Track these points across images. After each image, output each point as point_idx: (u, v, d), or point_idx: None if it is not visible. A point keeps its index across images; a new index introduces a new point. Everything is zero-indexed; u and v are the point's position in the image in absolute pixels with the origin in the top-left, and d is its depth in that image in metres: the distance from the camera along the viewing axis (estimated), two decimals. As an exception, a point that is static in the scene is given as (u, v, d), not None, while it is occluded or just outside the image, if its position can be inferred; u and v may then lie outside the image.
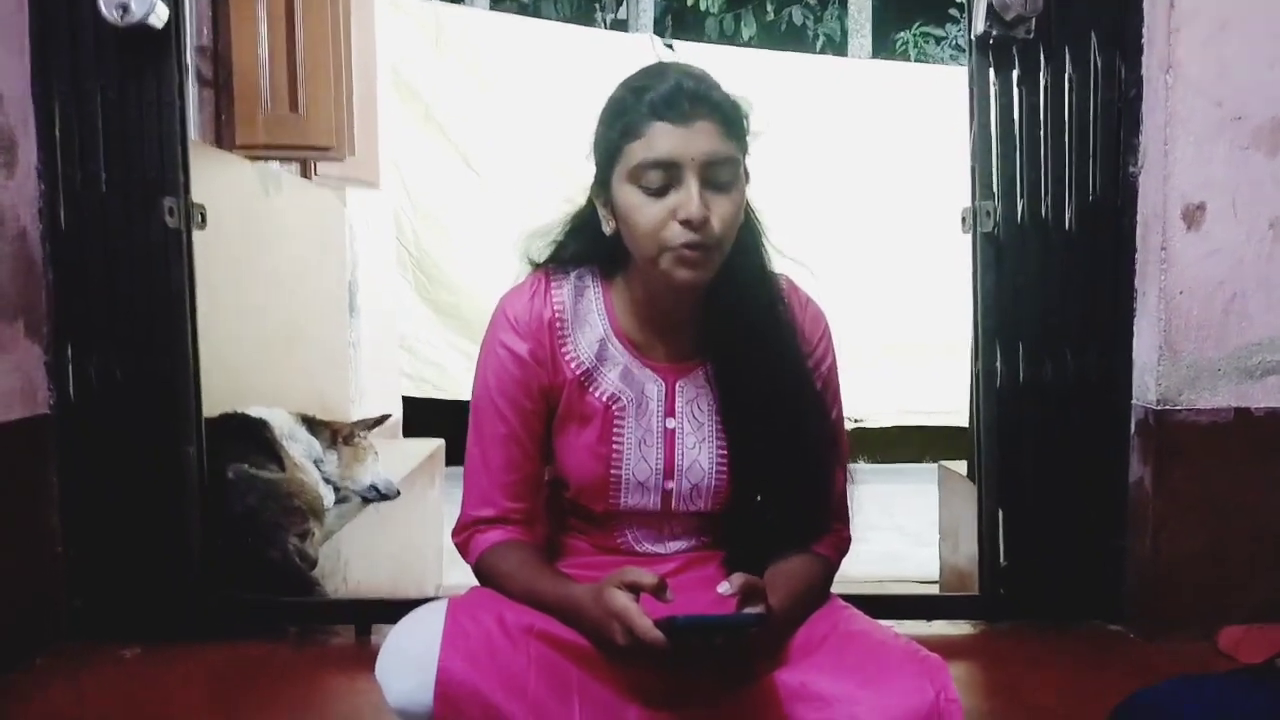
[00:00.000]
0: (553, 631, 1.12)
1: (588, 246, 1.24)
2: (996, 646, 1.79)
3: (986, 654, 1.77)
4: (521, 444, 1.23)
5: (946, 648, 1.75)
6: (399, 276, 4.89)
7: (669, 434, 1.23)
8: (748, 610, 1.05)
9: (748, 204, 1.19)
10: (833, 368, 1.28)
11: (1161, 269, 1.73)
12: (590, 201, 1.23)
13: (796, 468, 1.22)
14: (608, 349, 1.23)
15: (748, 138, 1.15)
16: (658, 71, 1.13)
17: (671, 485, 1.24)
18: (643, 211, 1.10)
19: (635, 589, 1.05)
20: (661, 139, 1.08)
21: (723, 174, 1.10)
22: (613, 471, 1.23)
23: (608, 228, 1.18)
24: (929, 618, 1.86)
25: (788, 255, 1.26)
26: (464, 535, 1.26)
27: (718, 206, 1.10)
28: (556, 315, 1.22)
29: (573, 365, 1.22)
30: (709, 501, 1.25)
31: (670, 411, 1.24)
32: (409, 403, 4.73)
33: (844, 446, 1.29)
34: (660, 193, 1.09)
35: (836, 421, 1.28)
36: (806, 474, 1.22)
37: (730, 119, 1.11)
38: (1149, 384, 1.75)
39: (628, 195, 1.11)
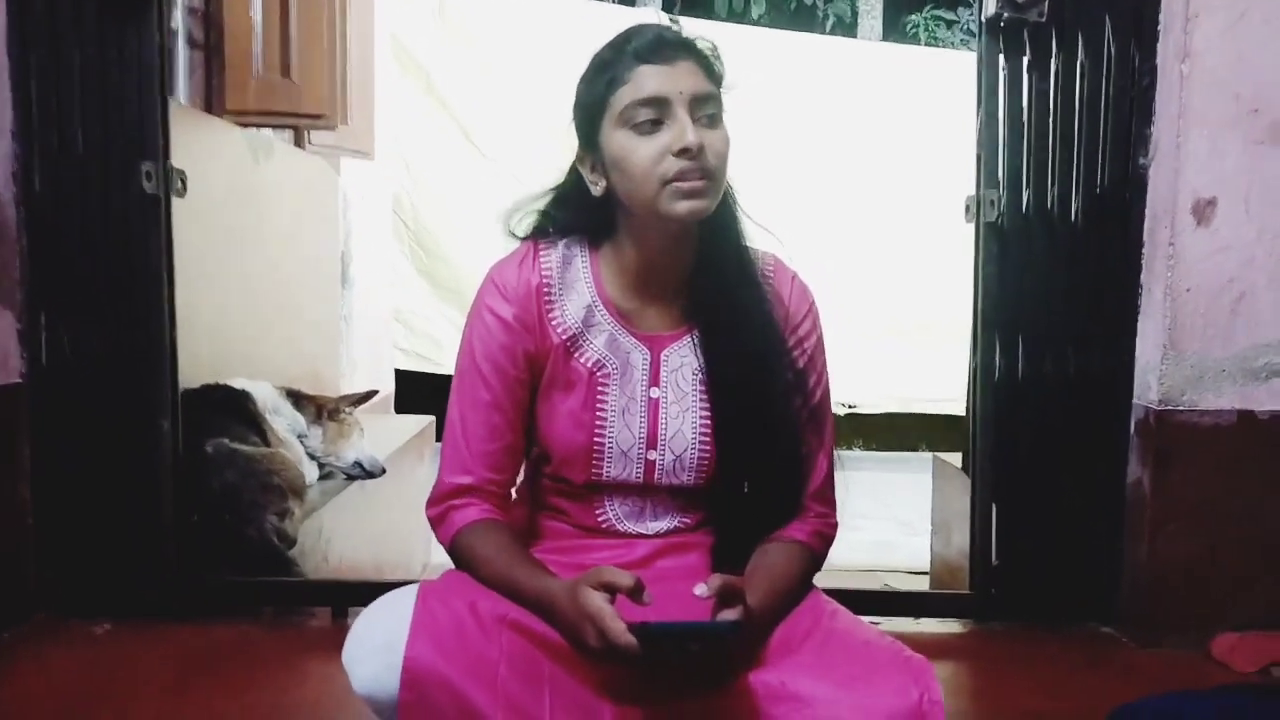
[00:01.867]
0: (526, 623, 1.09)
1: (574, 216, 1.24)
2: (986, 647, 1.75)
3: (976, 654, 1.74)
4: (504, 411, 1.21)
5: (935, 647, 1.73)
6: (395, 249, 4.83)
7: (653, 403, 1.22)
8: (723, 616, 1.02)
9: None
10: (819, 345, 1.27)
11: (1169, 265, 1.68)
12: (572, 171, 1.22)
13: (776, 438, 1.21)
14: (594, 316, 1.22)
15: (723, 83, 1.18)
16: (635, 28, 1.16)
17: (654, 455, 1.22)
18: (637, 152, 1.11)
19: (611, 589, 1.02)
20: (649, 79, 1.11)
21: (709, 109, 1.13)
22: (596, 439, 1.21)
23: (597, 189, 1.18)
24: (917, 615, 1.82)
25: (762, 225, 1.26)
26: (440, 508, 1.22)
27: (710, 139, 1.11)
28: (544, 281, 1.21)
29: (559, 330, 1.21)
30: (692, 475, 1.23)
31: (655, 381, 1.22)
32: (402, 377, 4.69)
33: (829, 428, 1.27)
34: (652, 129, 1.11)
35: (822, 401, 1.26)
36: (786, 445, 1.21)
37: (709, 61, 1.16)
38: (1151, 383, 1.70)
39: (620, 140, 1.12)
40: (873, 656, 1.07)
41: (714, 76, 1.16)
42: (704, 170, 1.11)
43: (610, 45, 1.16)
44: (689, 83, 1.11)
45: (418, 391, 4.61)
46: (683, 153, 1.09)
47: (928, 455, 3.23)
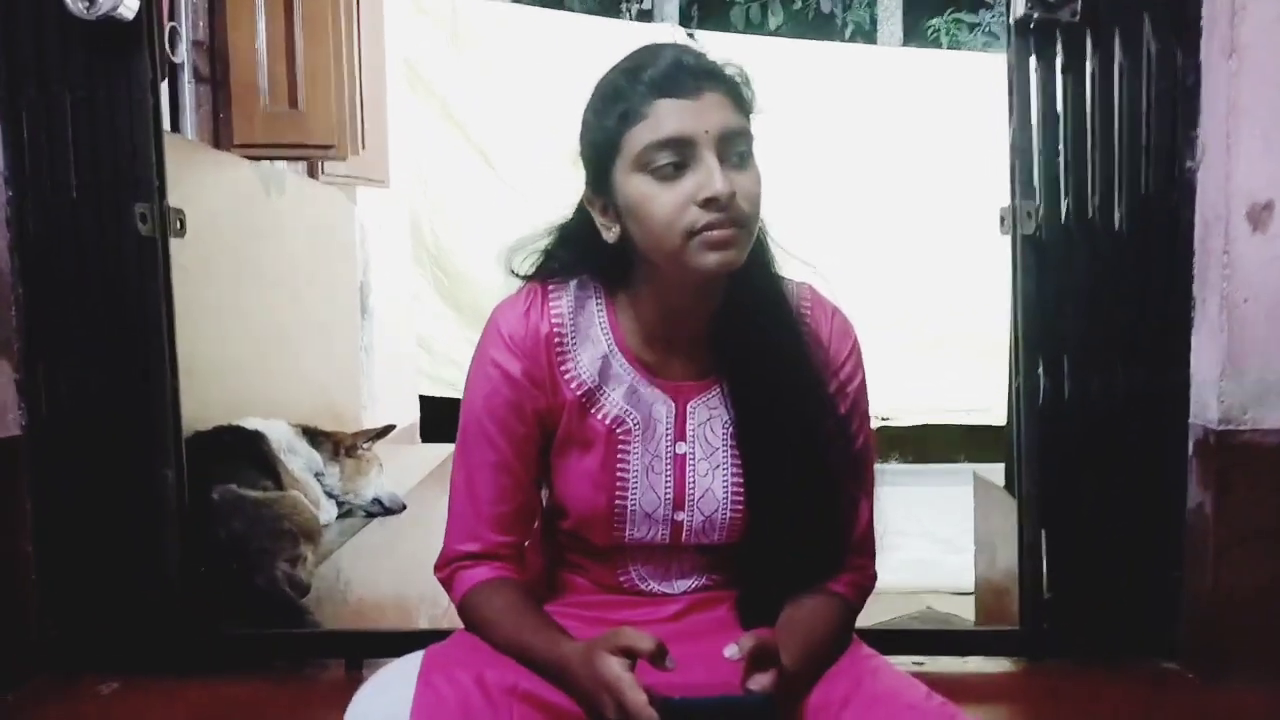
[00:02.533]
0: (538, 693, 1.01)
1: (582, 258, 1.12)
2: (1039, 686, 1.64)
3: (1029, 695, 1.63)
4: (513, 473, 1.12)
5: (984, 688, 1.63)
6: (416, 275, 4.81)
7: (679, 460, 1.12)
8: (755, 682, 0.94)
9: None
10: (861, 388, 1.15)
11: (1223, 274, 1.57)
12: (580, 211, 1.11)
13: (817, 497, 1.10)
14: (612, 366, 1.11)
15: (754, 110, 1.04)
16: (649, 50, 1.02)
17: (682, 516, 1.12)
18: (657, 200, 0.99)
19: (631, 654, 0.94)
20: (669, 116, 0.97)
21: (739, 147, 1.00)
22: (617, 502, 1.11)
23: (610, 235, 1.06)
24: (964, 654, 1.71)
25: (796, 256, 1.14)
26: (447, 572, 1.15)
27: (741, 183, 0.98)
28: (555, 330, 1.10)
29: (573, 385, 1.10)
30: (723, 534, 1.13)
31: (681, 435, 1.12)
32: (428, 403, 4.65)
33: (870, 474, 1.16)
34: (674, 176, 0.98)
35: (864, 448, 1.15)
36: (828, 503, 1.10)
37: (737, 88, 1.02)
38: (1209, 401, 1.59)
39: (636, 186, 1.00)
40: (917, 721, 0.97)
41: (744, 107, 1.03)
42: (735, 218, 0.98)
43: (622, 71, 1.03)
44: (716, 119, 0.98)
45: (444, 416, 4.57)
46: (710, 202, 0.96)
47: (967, 467, 3.11)
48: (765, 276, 1.11)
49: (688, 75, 0.99)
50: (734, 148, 0.99)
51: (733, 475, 1.12)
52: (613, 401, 1.11)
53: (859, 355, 1.15)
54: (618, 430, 1.11)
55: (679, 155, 0.98)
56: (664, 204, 0.99)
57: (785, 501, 1.11)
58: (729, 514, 1.12)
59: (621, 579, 1.16)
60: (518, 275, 1.15)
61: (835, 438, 1.11)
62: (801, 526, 1.12)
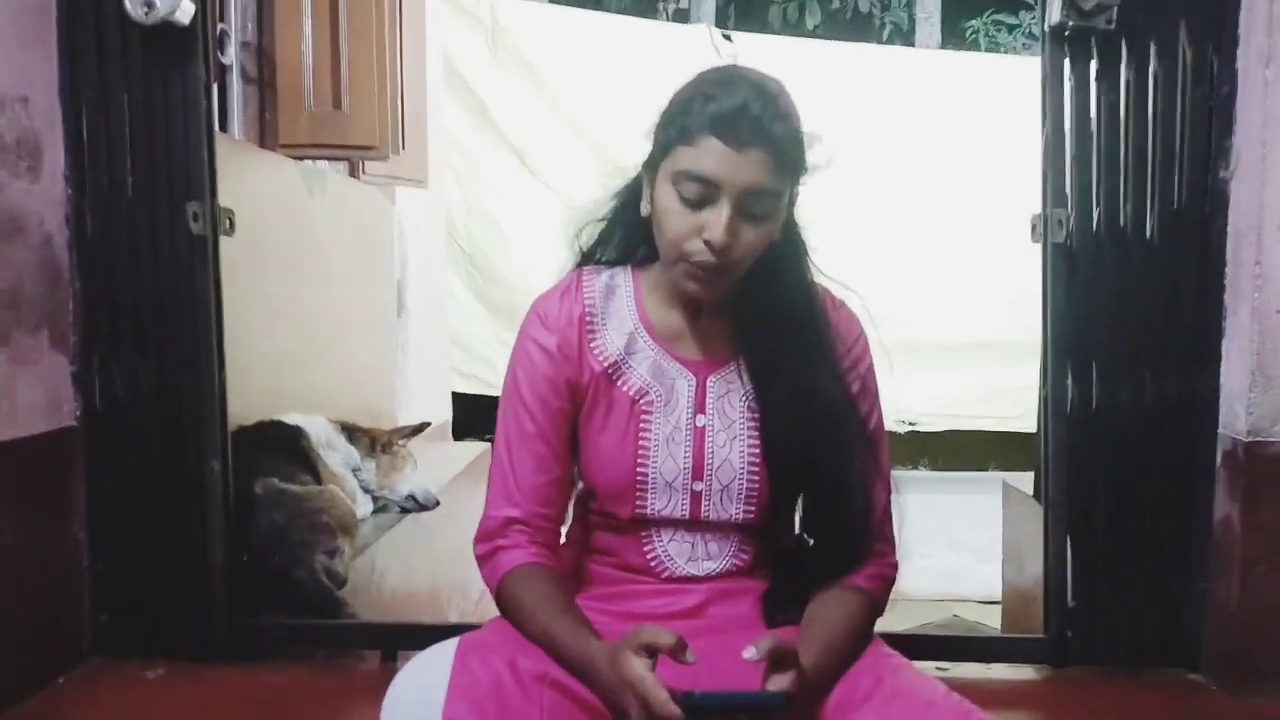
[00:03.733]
0: (567, 682, 1.06)
1: (632, 228, 1.23)
2: (1063, 694, 1.65)
3: (1052, 704, 1.64)
4: (549, 443, 1.19)
5: (1008, 696, 1.64)
6: (452, 274, 4.86)
7: (699, 431, 1.19)
8: (775, 682, 0.97)
9: (794, 223, 1.18)
10: (871, 371, 1.23)
11: (1256, 285, 1.57)
12: (637, 179, 1.21)
13: (829, 466, 1.16)
14: (637, 342, 1.20)
15: (804, 171, 1.13)
16: (729, 80, 1.09)
17: (701, 486, 1.18)
18: (674, 218, 1.10)
19: (653, 650, 0.98)
20: (709, 156, 1.07)
21: (760, 206, 1.09)
22: (639, 469, 1.18)
23: (645, 208, 1.16)
24: (988, 661, 1.72)
25: (833, 279, 1.23)
26: (488, 546, 1.19)
27: (744, 233, 1.09)
28: (586, 310, 1.20)
29: (600, 358, 1.19)
30: (741, 508, 1.18)
31: (700, 408, 1.19)
32: (460, 401, 4.71)
33: (885, 458, 1.22)
34: (695, 205, 1.09)
35: (876, 429, 1.22)
36: (840, 474, 1.17)
37: (785, 153, 1.09)
38: (1238, 412, 1.59)
39: (665, 195, 1.11)
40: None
41: (784, 169, 1.09)
42: (723, 263, 1.09)
43: (699, 89, 1.10)
44: (748, 176, 1.06)
45: (476, 414, 4.63)
46: (708, 244, 1.07)
47: (996, 475, 3.11)
48: (791, 280, 1.19)
49: (744, 126, 1.06)
50: (755, 204, 1.08)
51: (750, 446, 1.18)
52: (637, 374, 1.20)
53: (866, 341, 1.23)
54: (641, 401, 1.19)
55: (704, 192, 1.08)
56: (677, 225, 1.10)
57: (800, 472, 1.18)
58: (746, 484, 1.18)
59: (649, 556, 1.21)
60: (581, 251, 1.26)
61: (848, 415, 1.18)
62: (818, 500, 1.20)
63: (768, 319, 1.18)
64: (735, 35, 5.15)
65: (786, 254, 1.18)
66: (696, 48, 4.51)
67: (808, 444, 1.16)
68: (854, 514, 1.17)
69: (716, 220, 1.07)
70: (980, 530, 3.66)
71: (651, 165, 1.15)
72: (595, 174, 1.27)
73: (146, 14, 1.61)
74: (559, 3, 5.45)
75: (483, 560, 1.20)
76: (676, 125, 1.10)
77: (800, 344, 1.17)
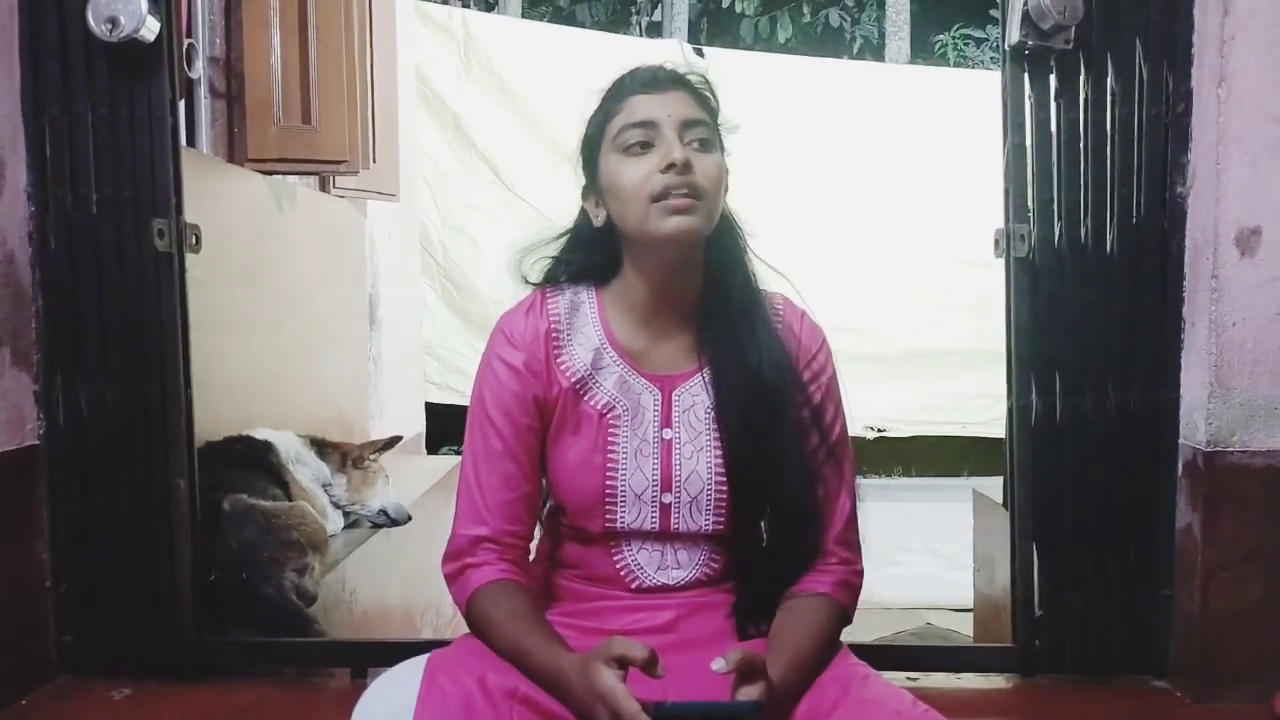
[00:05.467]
0: (538, 698, 1.06)
1: (583, 258, 1.24)
2: (1030, 703, 1.67)
3: (1021, 712, 1.66)
4: (518, 460, 1.20)
5: (977, 704, 1.65)
6: (426, 286, 4.86)
7: (666, 444, 1.20)
8: (744, 693, 0.98)
9: (731, 214, 1.23)
10: (833, 380, 1.25)
11: (1212, 298, 1.60)
12: (581, 213, 1.25)
13: (792, 476, 1.18)
14: (603, 357, 1.21)
15: (722, 123, 1.21)
16: (636, 67, 1.22)
17: (670, 498, 1.19)
18: (627, 173, 1.14)
19: (624, 663, 0.99)
20: (640, 105, 1.16)
21: (700, 132, 1.15)
22: (608, 483, 1.19)
23: (598, 220, 1.20)
24: (958, 670, 1.74)
25: (773, 266, 1.27)
26: (456, 565, 1.20)
27: (699, 162, 1.13)
28: (552, 326, 1.21)
29: (568, 374, 1.20)
30: (710, 519, 1.19)
31: (667, 422, 1.21)
32: (432, 411, 4.70)
33: (849, 467, 1.24)
34: (642, 153, 1.14)
35: (840, 439, 1.24)
36: (802, 483, 1.19)
37: (703, 95, 1.20)
38: (1198, 423, 1.62)
39: (612, 163, 1.16)
40: (904, 731, 1.01)
41: (706, 107, 1.19)
42: (692, 189, 1.12)
43: (613, 83, 1.22)
44: (678, 109, 1.15)
45: (450, 425, 4.62)
46: (669, 168, 1.11)
47: (969, 481, 3.14)
48: (741, 270, 1.24)
49: (660, 78, 1.19)
50: (694, 133, 1.15)
51: (715, 457, 1.20)
52: (604, 390, 1.21)
53: (829, 352, 1.26)
54: (608, 415, 1.20)
55: (646, 135, 1.14)
56: (632, 175, 1.14)
57: (763, 481, 1.19)
58: (714, 495, 1.19)
59: (619, 568, 1.21)
60: (528, 281, 1.26)
61: (809, 424, 1.21)
62: (782, 507, 1.20)
63: (726, 324, 1.20)
64: (707, 50, 5.20)
65: (730, 246, 1.23)
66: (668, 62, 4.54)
67: (769, 453, 1.18)
68: (816, 521, 1.19)
69: (667, 147, 1.12)
70: (953, 537, 3.70)
71: (590, 169, 1.21)
72: (568, 187, 1.27)
73: (110, 31, 1.59)
74: (532, 17, 5.46)
75: (451, 579, 1.20)
76: (602, 112, 1.19)
77: (759, 352, 1.19)
